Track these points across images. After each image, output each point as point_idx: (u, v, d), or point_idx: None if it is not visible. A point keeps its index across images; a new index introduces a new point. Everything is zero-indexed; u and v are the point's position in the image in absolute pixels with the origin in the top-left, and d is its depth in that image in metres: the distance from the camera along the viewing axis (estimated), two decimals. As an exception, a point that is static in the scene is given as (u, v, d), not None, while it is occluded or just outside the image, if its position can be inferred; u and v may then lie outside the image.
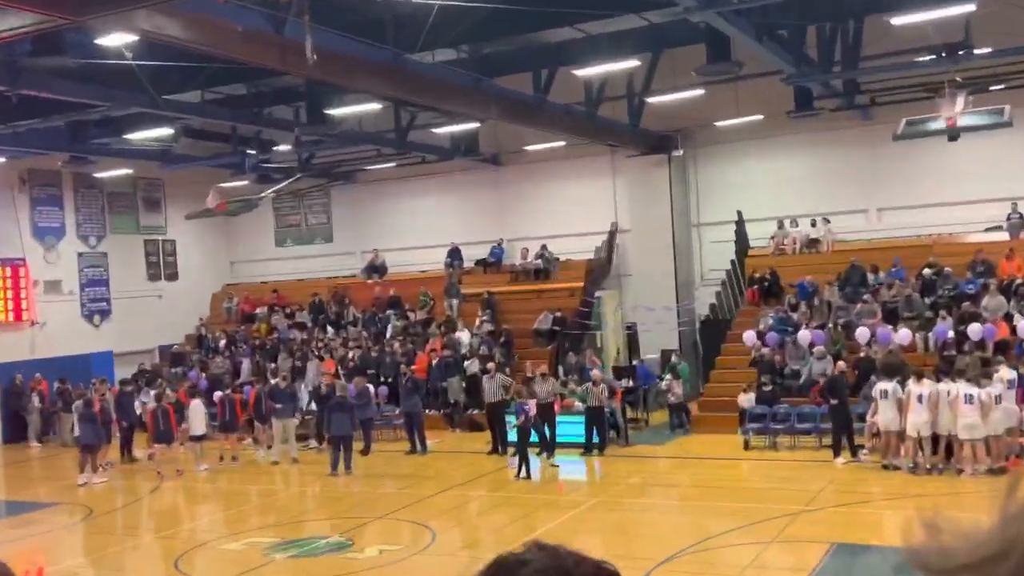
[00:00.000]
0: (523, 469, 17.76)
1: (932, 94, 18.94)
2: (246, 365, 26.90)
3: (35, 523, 17.00)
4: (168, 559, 13.93)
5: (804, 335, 21.14)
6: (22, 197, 27.80)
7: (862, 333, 20.68)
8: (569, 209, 27.80)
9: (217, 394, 22.40)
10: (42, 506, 18.31)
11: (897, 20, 16.49)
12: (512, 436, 19.16)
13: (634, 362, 24.66)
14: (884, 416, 16.56)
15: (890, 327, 20.72)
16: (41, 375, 26.00)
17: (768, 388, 19.94)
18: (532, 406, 18.51)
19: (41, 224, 28.32)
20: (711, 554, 12.47)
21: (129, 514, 18.01)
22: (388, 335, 26.95)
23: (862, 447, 17.69)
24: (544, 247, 27.66)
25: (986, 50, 18.28)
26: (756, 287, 24.04)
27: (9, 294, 26.95)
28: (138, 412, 22.47)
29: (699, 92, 21.26)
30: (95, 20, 11.27)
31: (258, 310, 30.74)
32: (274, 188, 28.48)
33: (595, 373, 20.41)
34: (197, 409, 20.79)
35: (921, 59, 18.57)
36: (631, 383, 22.86)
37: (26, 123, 20.79)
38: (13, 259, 27.18)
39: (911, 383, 16.41)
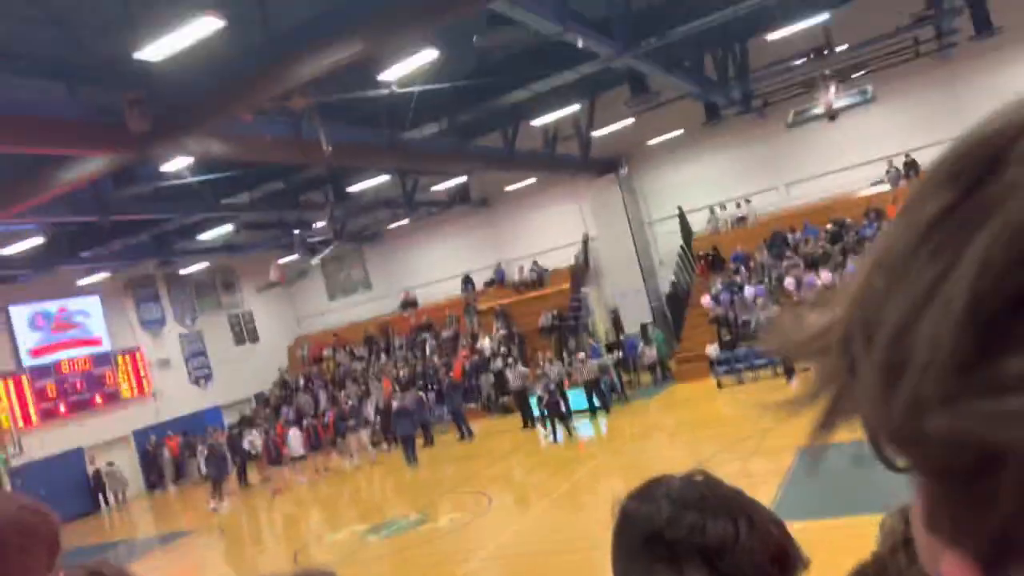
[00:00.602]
0: (553, 435, 17.69)
1: (810, 88, 18.93)
2: (322, 396, 26.84)
3: (182, 547, 16.91)
4: (289, 555, 13.85)
5: (748, 291, 21.06)
6: (128, 300, 27.82)
7: (789, 282, 20.58)
8: (548, 229, 27.72)
9: (304, 423, 22.32)
10: (185, 534, 18.22)
11: (771, 36, 16.50)
12: (536, 411, 19.09)
13: (621, 337, 24.56)
14: (820, 342, 16.44)
15: (813, 273, 20.63)
16: (172, 433, 26.00)
17: (728, 338, 19.84)
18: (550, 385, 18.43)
19: (146, 318, 28.32)
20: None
21: (253, 527, 17.92)
22: (427, 352, 26.87)
23: (808, 369, 17.54)
24: (535, 262, 27.61)
25: (844, 47, 18.25)
26: (703, 262, 23.97)
27: (131, 375, 26.95)
28: (246, 447, 22.41)
29: (631, 121, 21.25)
30: (155, 151, 11.28)
31: (324, 352, 30.67)
32: (319, 256, 28.35)
33: (579, 355, 20.26)
34: (295, 436, 20.77)
35: (796, 63, 18.55)
36: (621, 353, 22.78)
37: (120, 242, 20.82)
38: (130, 348, 27.20)
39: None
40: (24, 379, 24.01)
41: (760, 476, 11.58)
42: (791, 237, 22.81)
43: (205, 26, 8.58)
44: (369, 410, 22.92)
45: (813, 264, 21.21)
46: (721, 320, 20.59)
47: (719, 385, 19.15)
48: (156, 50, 8.90)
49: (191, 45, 8.90)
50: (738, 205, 24.75)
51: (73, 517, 22.87)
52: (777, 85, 21.55)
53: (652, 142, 23.90)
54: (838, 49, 18.08)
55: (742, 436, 13.85)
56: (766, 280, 21.35)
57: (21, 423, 23.34)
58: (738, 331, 20.34)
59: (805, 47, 17.86)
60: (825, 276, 20.17)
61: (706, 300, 21.80)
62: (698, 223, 25.43)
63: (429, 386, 23.92)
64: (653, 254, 26.81)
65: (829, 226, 22.15)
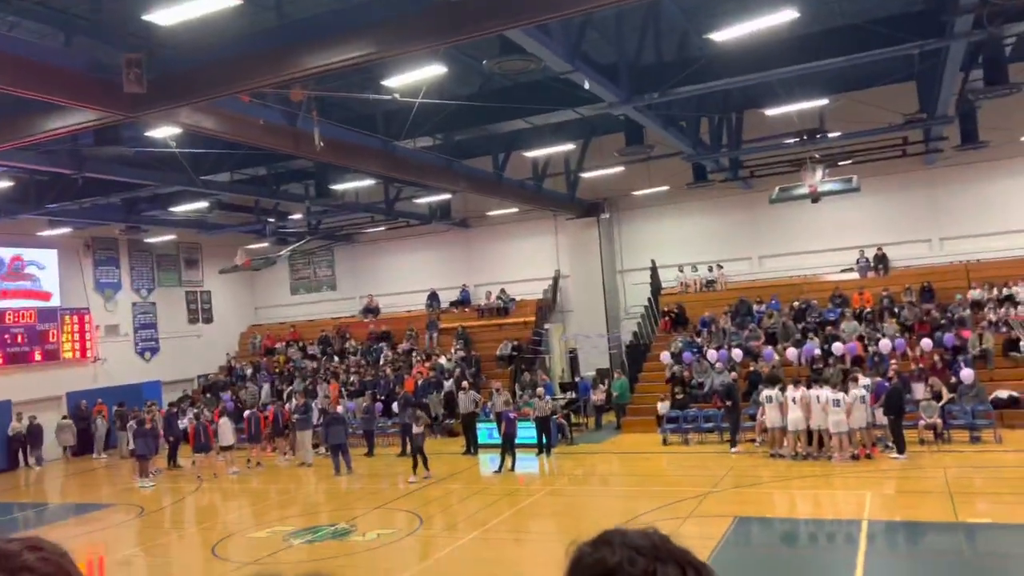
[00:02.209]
0: (499, 466, 17.53)
1: (797, 167, 19.33)
2: (266, 389, 26.37)
3: (97, 520, 16.38)
4: (207, 546, 13.47)
5: (712, 354, 21.17)
6: (86, 260, 27.16)
7: (736, 354, 20.78)
8: (522, 260, 27.83)
9: (246, 413, 21.87)
10: (103, 506, 17.66)
11: (769, 111, 16.85)
12: (483, 439, 18.93)
13: (576, 379, 24.54)
14: (770, 416, 16.62)
15: (771, 347, 20.88)
16: (102, 401, 25.29)
17: (680, 396, 19.93)
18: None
19: (102, 280, 27.65)
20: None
21: (175, 511, 17.40)
22: (381, 362, 26.59)
23: (753, 440, 17.75)
24: (503, 290, 27.59)
25: (837, 133, 18.71)
26: (667, 318, 24.14)
27: (76, 337, 26.21)
28: (182, 428, 21.88)
29: (620, 168, 21.49)
30: (146, 116, 11.08)
31: (277, 345, 30.19)
32: (289, 248, 28.16)
33: (539, 390, 20.22)
34: (225, 425, 20.34)
35: (788, 141, 18.95)
36: (574, 395, 22.73)
37: (90, 200, 20.36)
38: (79, 309, 26.49)
39: (789, 389, 16.52)
40: (-37, 322, 23.19)
41: (692, 540, 11.40)
42: (756, 308, 23.10)
43: (221, 1, 8.48)
44: (314, 411, 22.53)
45: (772, 338, 21.47)
46: (677, 378, 20.68)
47: (665, 442, 19.20)
48: (166, 15, 8.76)
49: (202, 16, 8.78)
50: (710, 269, 25.06)
51: (-12, 472, 22.17)
52: (766, 159, 22.03)
53: (637, 193, 24.17)
54: (831, 134, 18.52)
55: (680, 497, 13.87)
56: (726, 346, 21.54)
57: (-49, 366, 22.49)
58: (691, 392, 20.45)
59: (799, 127, 18.27)
60: (790, 352, 20.42)
61: (665, 356, 21.92)
62: (668, 280, 25.67)
63: (377, 396, 23.60)
64: (620, 302, 26.98)
65: (795, 303, 22.51)
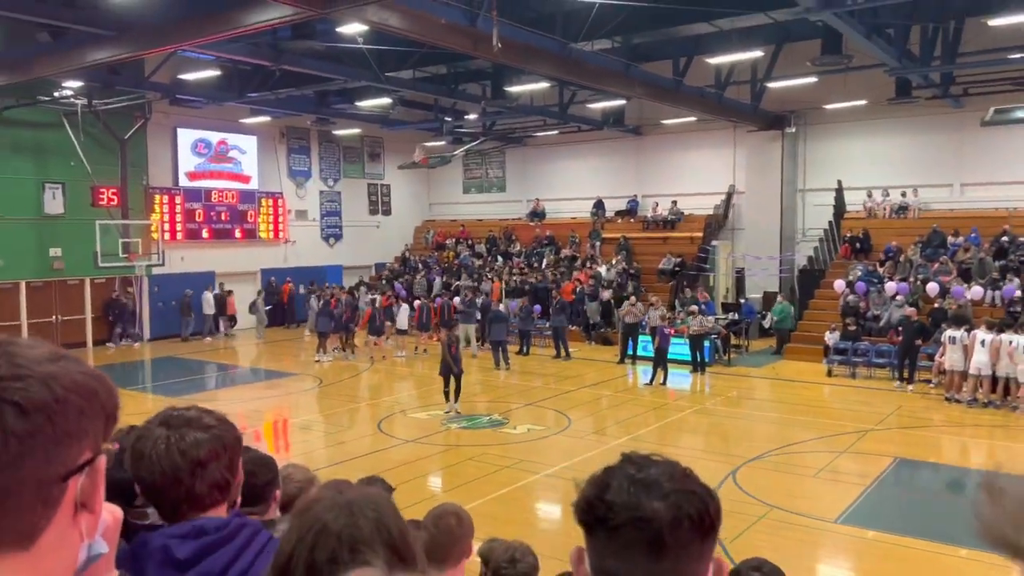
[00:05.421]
0: (651, 379, 17.64)
1: (1020, 87, 17.13)
2: (437, 282, 27.66)
3: (282, 387, 18.27)
4: (374, 421, 14.69)
5: (891, 286, 19.80)
6: (281, 147, 29.24)
7: (932, 288, 19.24)
8: (695, 173, 26.89)
9: (417, 302, 23.19)
10: (289, 375, 19.61)
11: (995, 21, 14.89)
12: (642, 351, 19.02)
13: (741, 300, 23.88)
14: (951, 358, 15.47)
15: (964, 284, 19.19)
16: (290, 279, 27.68)
17: (852, 328, 18.93)
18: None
19: (294, 168, 29.76)
20: (792, 457, 12.10)
21: (349, 385, 18.98)
22: (543, 266, 27.06)
23: (929, 381, 16.69)
24: (673, 203, 26.95)
25: (1077, 48, 16.30)
26: (849, 244, 22.69)
27: (270, 219, 28.61)
28: (357, 311, 23.51)
29: (812, 79, 19.96)
30: (337, 12, 11.54)
31: (448, 241, 31.40)
32: (464, 147, 28.88)
33: (693, 308, 19.81)
34: (403, 311, 21.67)
35: (1013, 56, 16.75)
36: (736, 316, 22.19)
37: (285, 91, 21.73)
38: (274, 193, 28.77)
39: (978, 330, 15.25)
40: (178, 198, 25.92)
41: (846, 476, 11.23)
42: (951, 240, 21.18)
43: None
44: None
45: (966, 275, 19.70)
46: (850, 308, 19.58)
47: (829, 373, 18.43)
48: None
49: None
50: (903, 194, 23.10)
51: (192, 335, 25.12)
52: (985, 75, 19.67)
53: (829, 107, 22.44)
54: (1068, 50, 16.19)
55: (839, 431, 13.41)
56: (912, 279, 20.02)
57: (167, 237, 25.32)
58: (865, 324, 19.33)
59: (1030, 40, 16.09)
60: (976, 291, 18.74)
61: (840, 284, 20.74)
62: (854, 203, 23.97)
63: (536, 298, 24.15)
64: (798, 223, 25.61)
65: (1004, 239, 20.33)
